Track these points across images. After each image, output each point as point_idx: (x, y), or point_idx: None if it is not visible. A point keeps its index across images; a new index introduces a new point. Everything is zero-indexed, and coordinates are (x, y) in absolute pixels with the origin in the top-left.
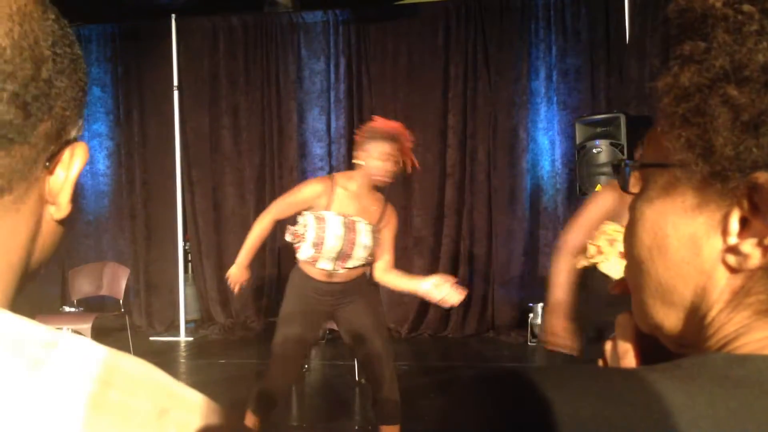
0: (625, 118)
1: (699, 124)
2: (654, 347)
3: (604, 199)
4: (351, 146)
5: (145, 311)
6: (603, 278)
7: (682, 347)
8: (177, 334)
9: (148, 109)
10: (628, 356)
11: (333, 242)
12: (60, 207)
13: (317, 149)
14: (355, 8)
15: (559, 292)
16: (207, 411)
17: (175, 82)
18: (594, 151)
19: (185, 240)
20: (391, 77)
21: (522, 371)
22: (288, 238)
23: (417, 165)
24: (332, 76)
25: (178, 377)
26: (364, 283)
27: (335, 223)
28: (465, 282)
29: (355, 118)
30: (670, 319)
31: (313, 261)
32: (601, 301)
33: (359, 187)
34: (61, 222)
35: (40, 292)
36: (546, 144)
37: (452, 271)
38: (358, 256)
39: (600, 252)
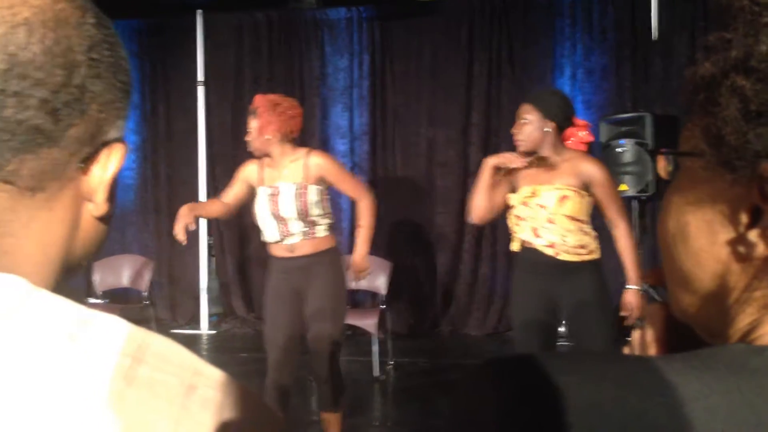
0: (651, 117)
1: (712, 113)
2: (688, 339)
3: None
4: (374, 143)
5: (169, 304)
6: (534, 252)
7: (713, 337)
8: (199, 327)
9: (173, 105)
10: (655, 346)
11: (263, 209)
12: (97, 205)
13: (340, 146)
14: (379, 5)
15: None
16: (231, 389)
17: (200, 78)
18: (618, 150)
19: (208, 234)
20: (415, 74)
21: (538, 355)
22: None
23: (290, 129)
24: (356, 72)
25: None
26: (331, 264)
27: (262, 195)
28: (487, 279)
29: (378, 115)
30: (694, 306)
31: (267, 238)
32: (543, 277)
33: (274, 158)
34: (101, 219)
35: (66, 283)
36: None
37: (474, 268)
38: (292, 217)
39: (513, 228)
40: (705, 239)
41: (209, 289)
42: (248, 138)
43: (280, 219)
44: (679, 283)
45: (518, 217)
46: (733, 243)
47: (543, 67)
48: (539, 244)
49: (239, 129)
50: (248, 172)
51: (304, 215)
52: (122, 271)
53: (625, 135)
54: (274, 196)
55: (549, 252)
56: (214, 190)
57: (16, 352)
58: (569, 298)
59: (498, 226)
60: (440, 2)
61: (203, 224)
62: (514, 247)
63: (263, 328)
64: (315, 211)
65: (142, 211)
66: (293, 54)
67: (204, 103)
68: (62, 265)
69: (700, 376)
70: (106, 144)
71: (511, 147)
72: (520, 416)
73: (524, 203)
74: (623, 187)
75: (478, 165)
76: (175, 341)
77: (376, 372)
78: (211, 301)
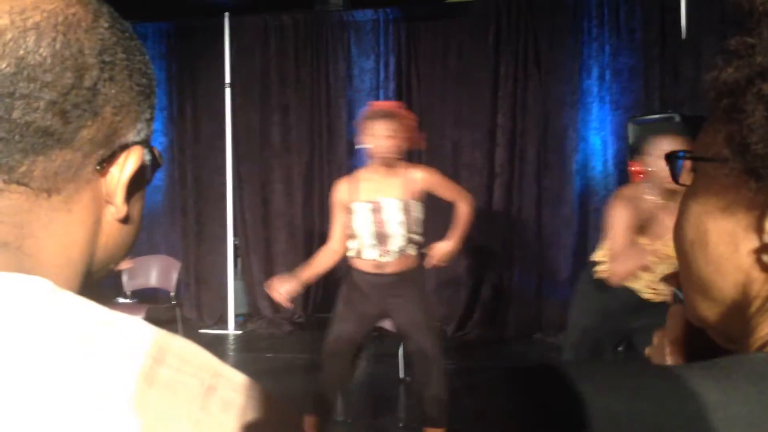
0: (680, 118)
1: (737, 120)
2: (707, 341)
3: (621, 215)
4: None
5: (196, 304)
6: (626, 288)
7: (730, 343)
8: (226, 327)
9: (200, 106)
10: (674, 347)
11: (366, 228)
12: (117, 207)
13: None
14: (405, 7)
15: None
16: (252, 392)
17: (228, 80)
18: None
19: (234, 235)
20: (441, 76)
21: (556, 364)
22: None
23: (423, 143)
24: (381, 74)
25: None
26: (416, 278)
27: (362, 210)
28: (513, 282)
29: None
30: (712, 313)
31: (358, 253)
32: (625, 309)
33: (375, 169)
34: (125, 221)
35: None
36: (598, 144)
37: (500, 271)
38: (396, 233)
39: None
40: (726, 247)
41: (235, 290)
42: (378, 141)
43: (382, 236)
44: (697, 290)
45: (644, 267)
46: (756, 252)
47: (570, 68)
48: (655, 294)
49: (266, 131)
50: (341, 193)
51: (408, 231)
52: (150, 272)
53: (661, 133)
54: (376, 211)
55: (645, 294)
56: (240, 191)
57: (39, 353)
58: (640, 329)
59: (524, 228)
60: (466, 4)
61: (229, 225)
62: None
63: (328, 333)
64: (416, 228)
65: (170, 212)
66: (319, 56)
67: (230, 105)
68: (86, 267)
69: (720, 385)
70: (124, 147)
71: (536, 149)
72: (538, 424)
73: (659, 257)
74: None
75: (503, 167)
76: (196, 343)
77: (402, 373)
78: (237, 302)
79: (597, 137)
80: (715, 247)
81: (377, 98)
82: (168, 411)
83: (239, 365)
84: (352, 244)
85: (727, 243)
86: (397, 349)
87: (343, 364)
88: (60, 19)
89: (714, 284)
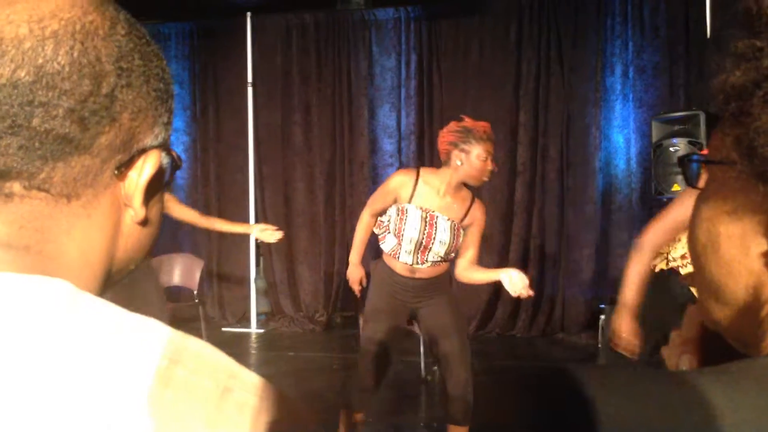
0: (705, 116)
1: (744, 123)
2: (723, 342)
3: (689, 200)
4: (421, 142)
5: (218, 303)
6: (680, 283)
7: (744, 346)
8: (248, 325)
9: (222, 105)
10: (689, 346)
11: (411, 234)
12: (135, 211)
13: (387, 145)
14: (426, 5)
15: (630, 293)
16: (268, 393)
17: (250, 79)
18: (671, 149)
19: None
20: (462, 74)
21: (567, 369)
22: (375, 229)
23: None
24: (403, 72)
25: (249, 368)
26: (446, 281)
27: (414, 216)
28: (534, 281)
29: (426, 115)
30: (725, 316)
31: (395, 254)
32: (675, 306)
33: (445, 184)
34: (143, 224)
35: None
36: (621, 142)
37: (521, 270)
38: (436, 251)
39: (684, 257)
40: (737, 250)
41: (257, 288)
42: (488, 166)
43: (423, 245)
44: (710, 293)
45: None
46: (766, 255)
47: (593, 65)
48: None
49: (287, 129)
50: (400, 182)
51: (449, 252)
52: (173, 270)
53: (678, 134)
54: (428, 222)
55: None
56: (262, 190)
57: (58, 354)
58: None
59: (546, 227)
60: (488, 1)
61: (252, 223)
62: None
63: (364, 330)
64: (454, 251)
65: (192, 210)
66: (341, 54)
67: (252, 104)
68: (105, 270)
69: (728, 391)
70: (142, 151)
71: (558, 147)
72: (548, 428)
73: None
74: (676, 187)
75: (525, 165)
76: (219, 341)
77: (423, 373)
78: (259, 300)
79: (620, 135)
80: (726, 251)
81: (399, 97)
82: (183, 411)
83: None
84: (390, 241)
85: (738, 246)
86: (419, 349)
87: (381, 361)
88: (78, 27)
89: (726, 287)
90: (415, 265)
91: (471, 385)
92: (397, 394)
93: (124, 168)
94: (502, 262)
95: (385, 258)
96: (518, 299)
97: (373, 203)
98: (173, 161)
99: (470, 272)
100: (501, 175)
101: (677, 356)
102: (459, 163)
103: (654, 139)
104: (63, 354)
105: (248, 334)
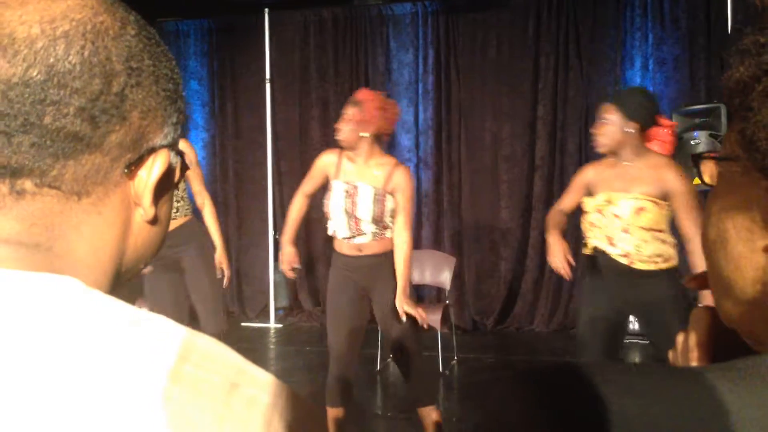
0: (726, 108)
1: (746, 118)
2: (733, 343)
3: (581, 173)
4: (439, 137)
5: (237, 298)
6: (607, 259)
7: (758, 344)
8: (267, 320)
9: (241, 102)
10: (698, 349)
11: (337, 204)
12: (145, 209)
13: (405, 140)
14: None
15: (553, 234)
16: (277, 390)
17: (267, 75)
18: (692, 142)
19: (275, 229)
20: (480, 68)
21: (573, 365)
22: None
23: (386, 131)
24: (420, 67)
25: (268, 363)
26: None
27: (338, 189)
28: (553, 276)
29: (443, 110)
30: (737, 313)
31: (335, 233)
32: (615, 282)
33: (358, 154)
34: (152, 222)
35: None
36: None
37: (540, 264)
38: (366, 219)
39: (586, 232)
40: (744, 245)
41: (275, 283)
42: (341, 126)
43: (353, 217)
44: (721, 290)
45: (592, 223)
46: None
47: (612, 58)
48: (614, 252)
49: (305, 125)
50: (327, 162)
51: (378, 220)
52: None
53: (699, 127)
54: (351, 194)
55: (623, 261)
56: (280, 186)
57: (69, 352)
58: (642, 304)
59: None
60: None
61: (270, 219)
62: (586, 250)
63: (327, 324)
64: (388, 217)
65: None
66: (358, 50)
67: (270, 101)
68: (115, 268)
69: (735, 388)
70: (151, 150)
71: (577, 141)
72: (548, 425)
73: (599, 210)
74: (696, 181)
75: (544, 159)
76: (239, 336)
77: (441, 367)
78: (278, 295)
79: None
80: (734, 246)
81: (416, 92)
82: (193, 408)
83: (280, 358)
84: (330, 224)
85: (745, 241)
86: (436, 344)
87: (346, 352)
88: (88, 27)
89: (735, 283)
90: (355, 240)
91: (424, 363)
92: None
93: (134, 167)
94: (520, 257)
95: (335, 244)
96: (538, 294)
97: (304, 184)
98: (183, 162)
99: (397, 247)
100: (519, 170)
101: (686, 361)
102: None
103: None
104: (73, 353)
105: (267, 329)
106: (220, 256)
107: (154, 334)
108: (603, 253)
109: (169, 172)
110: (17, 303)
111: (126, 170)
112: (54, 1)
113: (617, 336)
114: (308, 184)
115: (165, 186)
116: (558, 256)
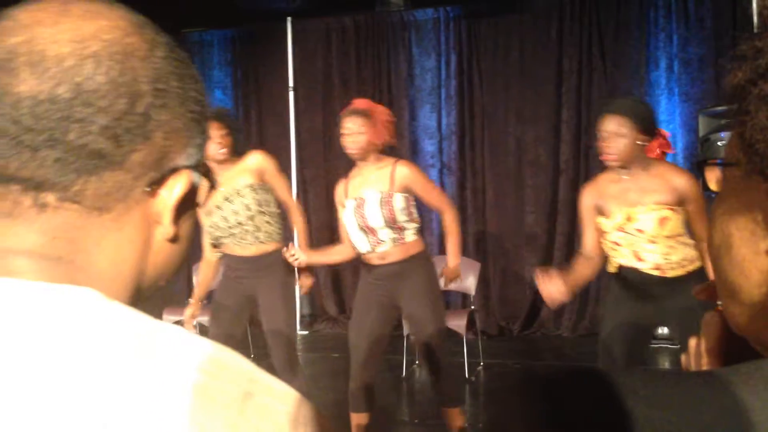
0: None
1: (744, 121)
2: (744, 349)
3: (584, 199)
4: (462, 143)
5: None
6: (637, 274)
7: (766, 348)
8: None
9: (264, 110)
10: (711, 355)
11: (350, 222)
12: (165, 228)
13: (428, 146)
14: (466, 4)
15: (566, 277)
16: (292, 401)
17: (291, 83)
18: (719, 144)
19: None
20: (503, 72)
21: (600, 371)
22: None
23: (392, 140)
24: (443, 72)
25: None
26: (421, 265)
27: (349, 207)
28: None
29: (466, 115)
30: (744, 318)
31: (356, 248)
32: (648, 294)
33: (361, 168)
34: (173, 241)
35: (167, 285)
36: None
37: (565, 269)
38: (379, 226)
39: (609, 252)
40: (747, 249)
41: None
42: (351, 139)
43: (368, 230)
44: (728, 295)
45: (615, 243)
46: None
47: (636, 60)
48: (644, 267)
49: (328, 133)
50: (338, 193)
51: (391, 222)
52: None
53: (726, 128)
54: (359, 207)
55: (655, 273)
56: (304, 193)
57: (86, 361)
58: (680, 310)
59: None
60: None
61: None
62: (611, 269)
63: (349, 332)
64: (401, 217)
65: None
66: (381, 56)
67: (294, 108)
68: (135, 284)
69: (738, 392)
70: (174, 170)
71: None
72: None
73: (620, 229)
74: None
75: (568, 163)
76: (237, 353)
77: (467, 374)
78: (303, 302)
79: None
80: (738, 250)
81: (439, 97)
82: (207, 417)
83: (305, 365)
84: (352, 242)
85: (748, 244)
86: (462, 350)
87: (368, 360)
88: (117, 48)
89: (741, 288)
90: (377, 250)
91: (450, 365)
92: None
93: (155, 185)
94: (546, 261)
95: (362, 256)
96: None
97: (342, 226)
98: (212, 181)
99: (447, 234)
100: (544, 174)
101: (698, 366)
102: (343, 143)
103: (701, 133)
104: (90, 362)
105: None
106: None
107: (171, 345)
108: (631, 269)
109: (190, 192)
110: (38, 313)
111: (147, 188)
112: (86, 22)
113: (641, 344)
114: (342, 223)
115: (186, 205)
116: (554, 289)
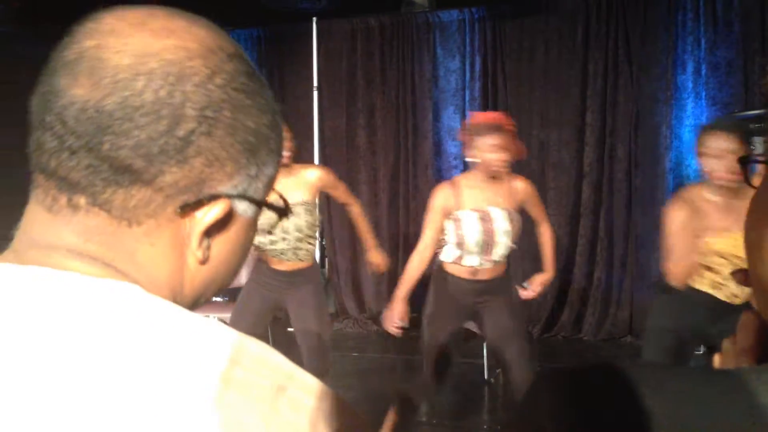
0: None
1: None
2: None
3: (677, 216)
4: None
5: None
6: (709, 298)
7: None
8: None
9: (289, 109)
10: (746, 354)
11: (474, 237)
12: (193, 251)
13: (451, 148)
14: (490, 5)
15: None
16: (324, 395)
17: (315, 83)
18: (749, 148)
19: (321, 236)
20: (527, 75)
21: (620, 366)
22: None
23: (524, 151)
24: (467, 74)
25: None
26: (506, 284)
27: (471, 219)
28: (601, 284)
29: None
30: None
31: (459, 260)
32: (705, 314)
33: (481, 180)
34: (203, 263)
35: None
36: (693, 142)
37: (588, 272)
38: (502, 243)
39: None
40: None
41: None
42: (489, 155)
43: (488, 245)
44: (758, 292)
45: (708, 267)
46: None
47: (663, 63)
48: (722, 296)
49: (352, 133)
50: (444, 198)
51: (515, 240)
52: (241, 271)
53: (755, 133)
54: (485, 221)
55: (736, 302)
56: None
57: (125, 353)
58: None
59: (613, 229)
60: (554, 0)
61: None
62: (697, 285)
63: (423, 336)
64: (516, 238)
65: None
66: (405, 57)
67: (318, 108)
68: (173, 298)
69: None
70: (214, 197)
71: (627, 147)
72: (578, 424)
73: (722, 255)
74: None
75: (592, 166)
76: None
77: (486, 374)
78: None
79: (692, 134)
80: None
81: (463, 98)
82: (242, 411)
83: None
84: (451, 251)
85: None
86: (482, 351)
87: (441, 363)
88: (174, 69)
89: None
90: (480, 266)
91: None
92: (460, 397)
93: (189, 208)
94: (568, 265)
95: (446, 266)
96: (585, 302)
97: (426, 235)
98: (275, 209)
99: (543, 246)
100: (566, 178)
101: (734, 365)
102: (476, 160)
103: None
104: (129, 353)
105: None
106: (372, 257)
107: (208, 338)
108: (701, 293)
109: (224, 220)
110: (80, 305)
111: (179, 210)
112: (156, 38)
113: (684, 356)
114: (432, 231)
115: (219, 231)
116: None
